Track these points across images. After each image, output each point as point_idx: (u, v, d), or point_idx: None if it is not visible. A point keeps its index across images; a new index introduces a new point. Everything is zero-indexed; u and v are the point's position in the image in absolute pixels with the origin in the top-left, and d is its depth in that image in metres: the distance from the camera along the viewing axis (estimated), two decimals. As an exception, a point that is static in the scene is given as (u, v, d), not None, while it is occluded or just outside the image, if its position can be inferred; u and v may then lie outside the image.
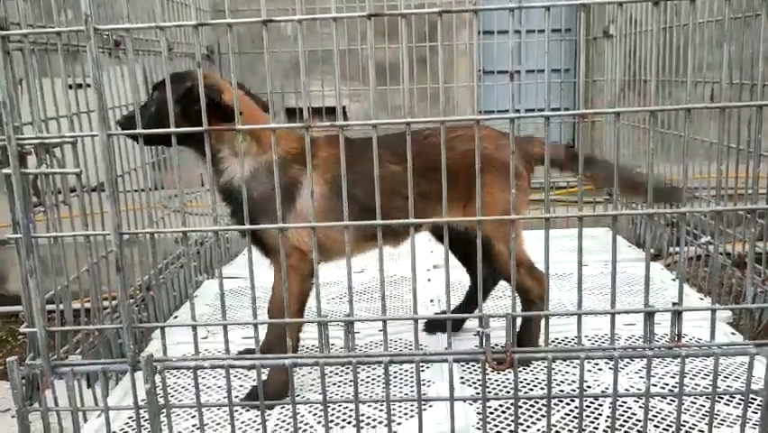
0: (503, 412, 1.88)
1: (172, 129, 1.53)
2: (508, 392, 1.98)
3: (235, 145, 1.89)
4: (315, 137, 1.98)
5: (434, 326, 2.39)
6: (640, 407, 1.86)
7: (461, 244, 2.14)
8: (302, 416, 1.89)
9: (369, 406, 1.91)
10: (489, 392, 1.97)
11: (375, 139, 1.51)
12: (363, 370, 2.12)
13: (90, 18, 1.42)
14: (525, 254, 2.10)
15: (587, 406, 1.88)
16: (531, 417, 1.85)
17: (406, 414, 1.87)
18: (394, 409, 1.88)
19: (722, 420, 1.80)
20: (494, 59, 4.12)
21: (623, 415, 1.84)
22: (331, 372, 2.13)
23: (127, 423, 1.91)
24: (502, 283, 2.34)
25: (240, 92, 1.97)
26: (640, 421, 1.79)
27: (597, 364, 2.11)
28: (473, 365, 2.12)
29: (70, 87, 2.04)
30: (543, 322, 1.61)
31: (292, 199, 1.93)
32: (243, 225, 1.81)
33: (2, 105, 1.53)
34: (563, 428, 1.80)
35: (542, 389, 1.98)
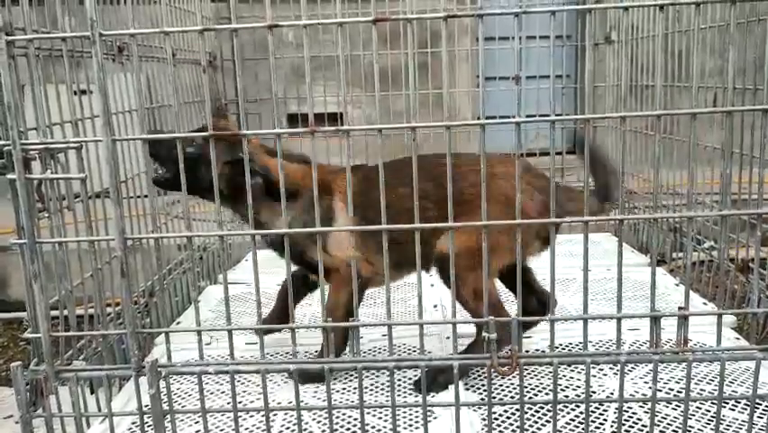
0: (508, 418, 1.87)
1: (179, 134, 1.54)
2: (513, 398, 1.97)
3: (273, 206, 1.93)
4: (338, 168, 2.14)
5: None
6: (645, 412, 1.85)
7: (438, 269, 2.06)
8: (306, 423, 1.88)
9: (373, 415, 1.90)
10: (494, 398, 1.97)
11: (380, 141, 1.51)
12: (367, 377, 2.12)
13: (96, 23, 1.43)
14: (492, 292, 1.98)
15: (592, 411, 1.87)
16: (536, 422, 1.84)
17: (410, 425, 1.86)
18: (399, 420, 1.87)
19: (728, 425, 1.79)
20: (495, 66, 4.13)
21: (628, 420, 1.83)
22: (335, 379, 2.13)
23: (131, 429, 1.90)
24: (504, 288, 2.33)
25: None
26: (646, 427, 1.78)
27: (602, 370, 2.11)
28: (478, 371, 2.11)
29: (75, 93, 2.04)
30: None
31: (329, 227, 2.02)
32: (299, 264, 2.11)
33: (7, 109, 1.53)
34: (569, 434, 1.79)
35: (547, 394, 1.98)
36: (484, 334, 1.58)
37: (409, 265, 1.92)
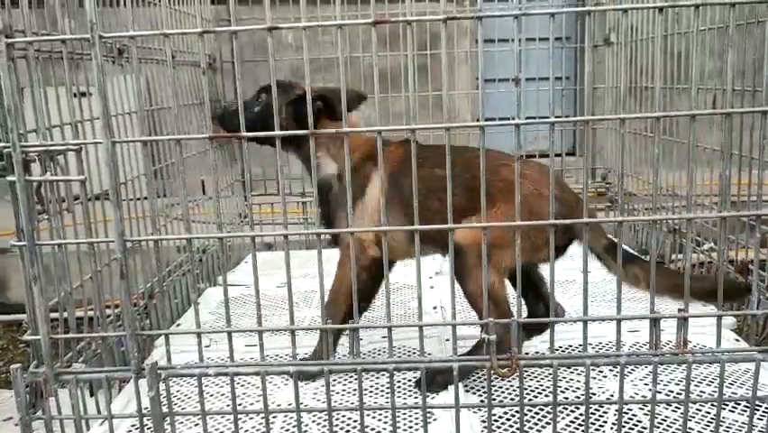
0: (508, 420, 1.87)
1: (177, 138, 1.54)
2: (513, 399, 1.97)
3: (329, 147, 2.19)
4: (387, 140, 2.16)
5: None
6: (645, 414, 1.85)
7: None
8: (306, 425, 1.88)
9: (374, 418, 1.90)
10: (494, 400, 1.97)
11: (380, 142, 1.51)
12: (367, 379, 2.12)
13: (95, 25, 1.43)
14: (499, 289, 1.98)
15: (592, 413, 1.87)
16: (536, 424, 1.84)
17: (411, 427, 1.86)
18: (399, 422, 1.87)
19: (728, 427, 1.79)
20: (494, 68, 4.13)
21: (628, 422, 1.83)
22: (334, 380, 2.12)
23: (130, 431, 1.90)
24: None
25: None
26: (646, 429, 1.78)
27: (601, 372, 2.10)
28: (478, 373, 2.11)
29: (74, 95, 2.04)
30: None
31: (363, 194, 2.12)
32: (327, 215, 2.19)
33: (6, 112, 1.53)
34: (569, 436, 1.79)
35: (547, 396, 1.98)
36: (484, 335, 1.58)
37: (430, 241, 1.98)
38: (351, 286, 2.03)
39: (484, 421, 1.80)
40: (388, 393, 1.82)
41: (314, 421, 1.90)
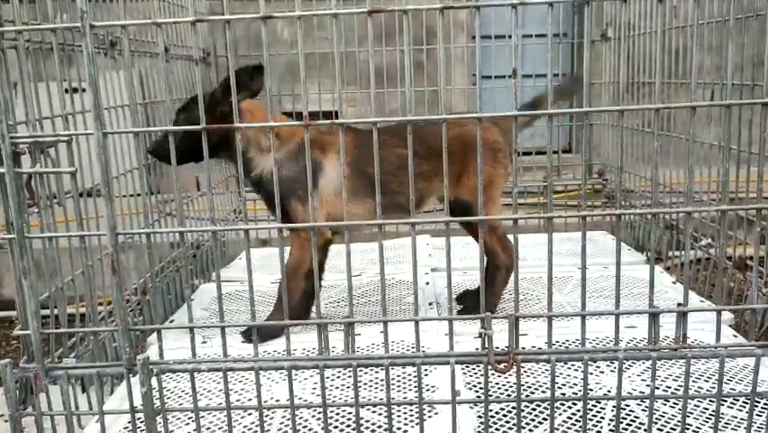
0: (505, 415, 1.85)
1: (170, 128, 1.51)
2: (510, 395, 1.95)
3: (261, 142, 2.27)
4: (332, 131, 2.34)
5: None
6: (643, 410, 1.84)
7: (460, 214, 2.32)
8: (306, 420, 1.86)
9: (373, 412, 1.88)
10: (491, 395, 1.95)
11: (375, 135, 1.50)
12: (366, 374, 2.09)
13: (86, 14, 1.40)
14: (499, 224, 2.44)
15: (590, 409, 1.85)
16: (533, 420, 1.83)
17: (411, 421, 1.84)
18: (399, 417, 1.85)
19: (727, 423, 1.78)
20: (491, 66, 4.11)
21: (626, 418, 1.81)
22: (334, 375, 2.10)
23: (127, 427, 1.87)
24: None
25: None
26: (644, 424, 1.77)
27: (599, 367, 2.09)
28: (476, 369, 2.09)
29: (66, 90, 2.02)
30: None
31: (315, 180, 2.20)
32: (274, 209, 2.17)
33: (-4, 103, 1.50)
34: (566, 432, 1.77)
35: (544, 392, 1.96)
36: (481, 331, 1.56)
37: (396, 209, 2.19)
38: (308, 266, 2.30)
39: (481, 417, 1.78)
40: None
41: (313, 416, 1.88)
